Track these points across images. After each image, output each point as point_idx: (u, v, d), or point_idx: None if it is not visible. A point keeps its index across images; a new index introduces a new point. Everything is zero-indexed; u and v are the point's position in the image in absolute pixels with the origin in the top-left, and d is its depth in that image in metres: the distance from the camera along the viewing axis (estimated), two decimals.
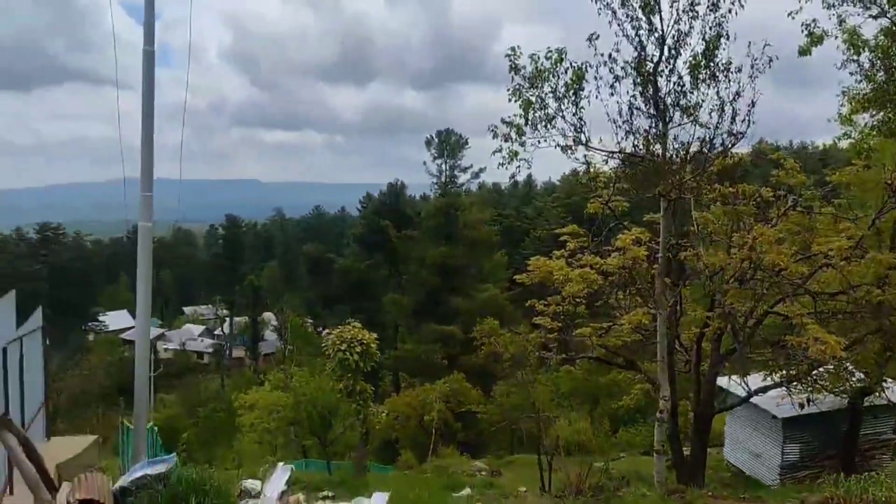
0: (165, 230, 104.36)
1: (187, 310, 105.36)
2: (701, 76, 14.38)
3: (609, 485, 15.32)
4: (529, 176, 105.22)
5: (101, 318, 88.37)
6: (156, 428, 18.67)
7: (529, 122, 14.45)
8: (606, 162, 15.85)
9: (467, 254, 61.92)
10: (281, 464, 12.44)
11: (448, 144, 66.53)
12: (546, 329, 20.13)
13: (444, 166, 66.53)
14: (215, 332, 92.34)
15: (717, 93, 14.39)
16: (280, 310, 78.44)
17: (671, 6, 14.02)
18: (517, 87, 14.49)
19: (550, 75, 14.21)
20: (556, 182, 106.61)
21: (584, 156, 15.38)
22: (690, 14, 14.09)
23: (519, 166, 14.84)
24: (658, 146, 14.83)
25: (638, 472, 21.13)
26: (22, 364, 9.95)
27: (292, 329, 64.39)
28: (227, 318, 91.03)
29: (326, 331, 41.79)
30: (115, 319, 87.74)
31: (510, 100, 14.56)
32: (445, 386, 41.36)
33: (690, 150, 15.11)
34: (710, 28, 14.08)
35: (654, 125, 14.73)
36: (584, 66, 14.14)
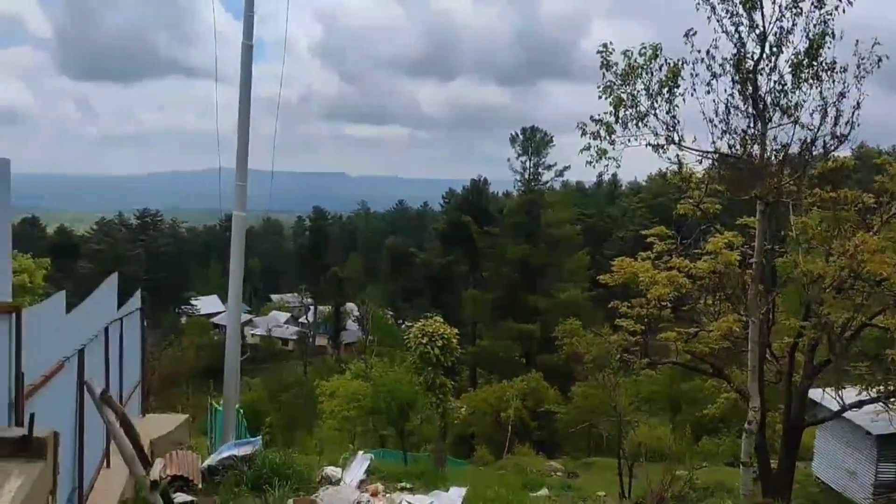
0: (255, 220, 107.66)
1: (274, 297, 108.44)
2: (803, 75, 13.82)
3: (692, 495, 14.89)
4: (615, 175, 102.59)
5: (193, 302, 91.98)
6: (241, 410, 19.31)
7: (620, 120, 14.19)
8: (700, 162, 15.41)
9: (548, 252, 61.34)
10: (361, 452, 12.65)
11: (533, 142, 65.89)
12: (629, 332, 19.78)
13: (528, 163, 65.93)
14: (300, 320, 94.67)
15: (821, 93, 13.80)
16: (362, 301, 79.75)
17: (774, 2, 13.51)
18: (608, 83, 14.26)
19: (644, 72, 13.91)
20: (642, 182, 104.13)
21: (677, 155, 15.01)
22: (794, 11, 13.55)
23: (607, 165, 14.62)
24: (756, 147, 14.33)
25: (722, 483, 20.45)
26: (122, 344, 10.43)
27: (374, 320, 65.36)
28: (312, 307, 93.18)
29: (408, 323, 42.27)
30: (206, 304, 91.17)
31: (600, 97, 14.35)
32: (523, 384, 41.17)
33: (790, 151, 14.53)
34: (815, 25, 13.49)
35: (752, 125, 14.24)
36: (679, 63, 13.78)
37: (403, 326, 65.76)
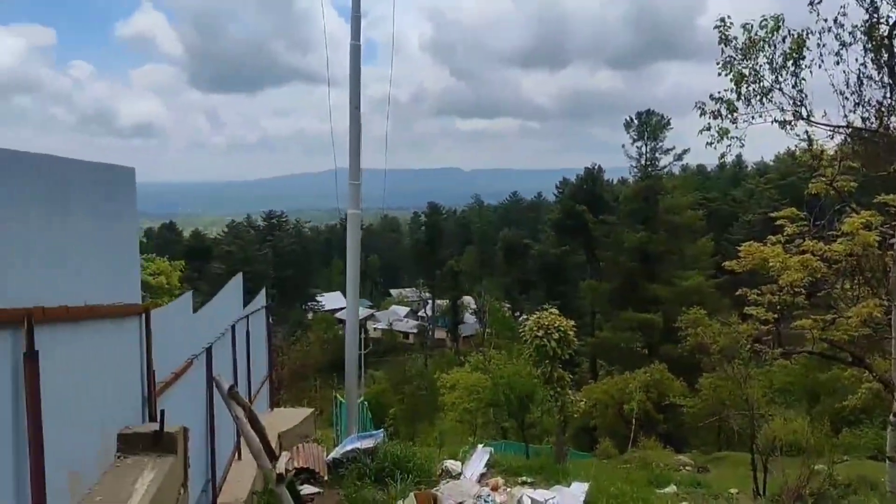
0: (373, 217, 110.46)
1: (394, 292, 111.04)
2: None
3: (832, 492, 13.96)
4: (739, 156, 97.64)
5: (318, 299, 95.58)
6: (366, 403, 19.87)
7: (742, 97, 13.44)
8: (832, 137, 14.38)
9: (668, 239, 59.34)
10: (480, 446, 12.66)
11: (648, 125, 63.78)
12: (759, 320, 18.83)
13: (644, 148, 63.89)
14: (419, 314, 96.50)
15: None
16: (478, 294, 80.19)
17: None
18: (728, 59, 13.53)
19: (766, 45, 13.09)
20: (769, 162, 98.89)
21: (806, 131, 14.07)
22: None
23: (730, 145, 13.87)
24: (893, 119, 13.20)
25: (865, 478, 19.07)
26: (249, 340, 10.89)
27: (491, 313, 65.57)
28: (430, 301, 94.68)
29: (524, 316, 41.99)
30: (330, 300, 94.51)
31: (720, 74, 13.65)
32: (646, 375, 40.07)
33: None
34: None
35: (888, 95, 13.11)
36: (804, 33, 12.88)
37: (521, 318, 65.65)
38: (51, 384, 3.68)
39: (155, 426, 4.93)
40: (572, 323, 16.65)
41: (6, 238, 3.38)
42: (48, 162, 4.05)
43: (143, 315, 5.32)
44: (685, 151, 64.02)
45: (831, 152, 16.00)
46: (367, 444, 11.20)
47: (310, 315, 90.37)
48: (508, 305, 79.88)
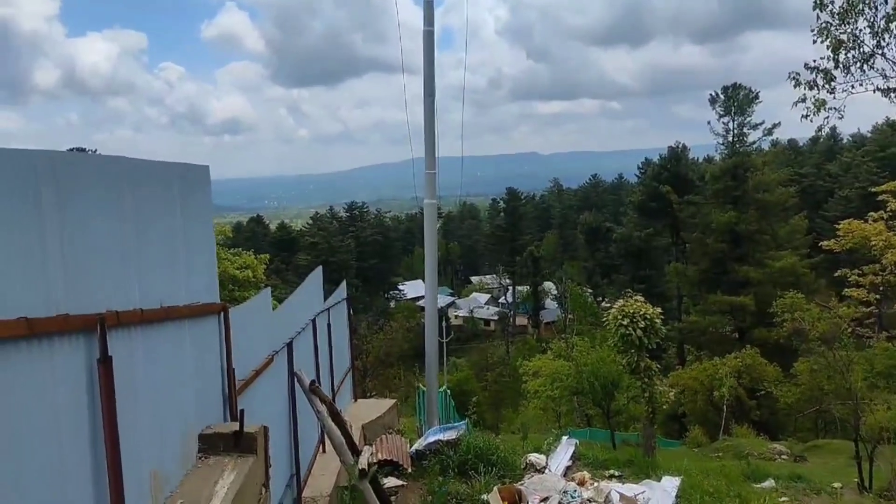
0: (453, 205, 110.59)
1: (474, 279, 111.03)
2: None
3: None
4: (833, 128, 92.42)
5: (400, 287, 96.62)
6: (448, 391, 19.82)
7: (840, 65, 12.55)
8: None
9: (759, 218, 56.84)
10: (565, 437, 12.37)
11: (735, 100, 61.03)
12: (861, 302, 17.80)
13: (731, 124, 61.19)
14: (499, 301, 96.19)
15: None
16: (559, 279, 79.25)
17: None
18: (823, 25, 12.64)
19: (866, 7, 12.16)
20: (866, 133, 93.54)
21: None
22: None
23: (827, 117, 12.99)
24: None
25: None
26: (330, 333, 10.91)
27: (572, 298, 64.62)
28: (510, 287, 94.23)
29: (607, 301, 41.12)
30: (411, 288, 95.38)
31: (814, 41, 12.75)
32: (737, 361, 38.61)
33: None
34: None
35: None
36: None
37: (604, 303, 64.52)
38: (128, 387, 3.64)
39: (235, 426, 4.88)
40: (659, 310, 16.03)
41: (79, 243, 3.33)
42: (118, 163, 4.01)
43: (221, 314, 5.28)
44: (775, 125, 61.04)
45: None
46: (450, 435, 11.09)
47: (392, 304, 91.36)
48: (590, 290, 78.64)
